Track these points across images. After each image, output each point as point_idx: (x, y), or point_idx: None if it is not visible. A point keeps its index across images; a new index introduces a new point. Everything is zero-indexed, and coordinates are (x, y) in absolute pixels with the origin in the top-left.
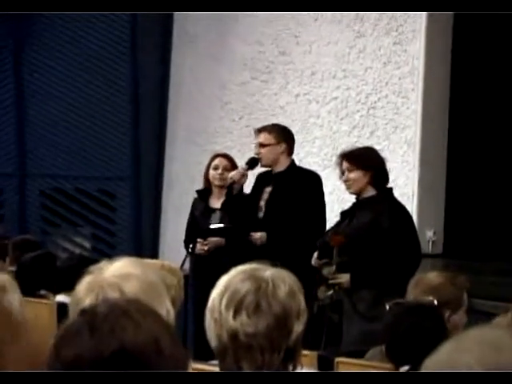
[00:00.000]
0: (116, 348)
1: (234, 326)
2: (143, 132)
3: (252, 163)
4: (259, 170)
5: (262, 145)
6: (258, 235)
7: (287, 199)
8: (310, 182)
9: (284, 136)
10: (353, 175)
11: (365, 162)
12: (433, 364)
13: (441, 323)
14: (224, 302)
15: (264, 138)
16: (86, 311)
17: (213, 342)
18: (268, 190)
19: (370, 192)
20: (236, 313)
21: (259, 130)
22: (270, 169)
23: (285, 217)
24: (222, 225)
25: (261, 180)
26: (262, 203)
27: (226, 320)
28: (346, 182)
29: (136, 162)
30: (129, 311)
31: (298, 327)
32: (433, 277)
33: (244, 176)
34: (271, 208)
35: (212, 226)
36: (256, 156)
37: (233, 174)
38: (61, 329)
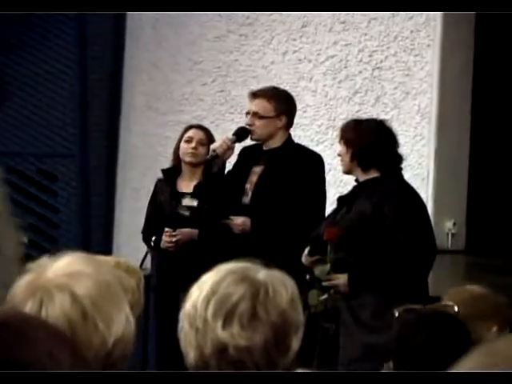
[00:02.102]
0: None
1: (223, 338)
2: (92, 99)
3: (241, 135)
4: (246, 142)
5: (256, 114)
6: (240, 220)
7: (280, 182)
8: (309, 164)
9: (287, 107)
10: (340, 150)
11: (348, 135)
12: None
13: (464, 335)
14: (211, 308)
15: (261, 107)
16: None
17: (190, 353)
18: (257, 170)
19: (371, 174)
20: (226, 322)
21: (255, 95)
22: (258, 142)
23: (275, 203)
24: (194, 203)
25: (247, 156)
26: (249, 186)
27: (213, 330)
28: (338, 156)
29: (83, 135)
30: (14, 324)
31: (296, 344)
32: (476, 287)
33: (230, 150)
34: (260, 193)
35: (184, 203)
36: (247, 127)
37: (216, 145)
38: None
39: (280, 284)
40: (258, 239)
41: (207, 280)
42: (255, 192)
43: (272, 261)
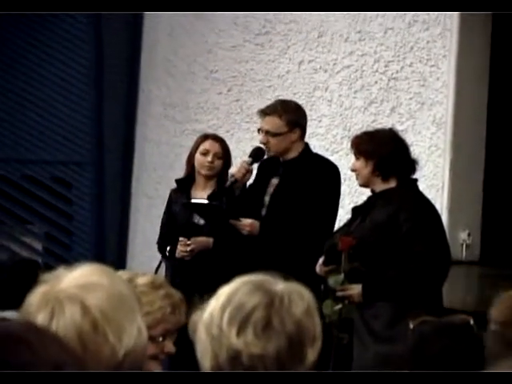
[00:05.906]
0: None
1: (237, 346)
2: (108, 107)
3: (257, 155)
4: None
5: (269, 133)
6: (248, 222)
7: (294, 194)
8: (325, 175)
9: (298, 120)
10: (357, 164)
11: (366, 147)
12: None
13: (479, 347)
14: (226, 316)
15: (273, 124)
16: None
17: (206, 362)
18: (275, 181)
19: (389, 184)
20: (240, 330)
21: (265, 113)
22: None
23: (288, 214)
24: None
25: (266, 168)
26: (267, 198)
27: (228, 337)
28: (353, 171)
29: (98, 143)
30: (22, 336)
31: (312, 355)
32: None
33: (248, 173)
34: (275, 204)
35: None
36: (262, 146)
37: (234, 170)
38: None
39: (296, 294)
40: (269, 249)
41: (224, 290)
42: (270, 203)
43: (284, 271)
